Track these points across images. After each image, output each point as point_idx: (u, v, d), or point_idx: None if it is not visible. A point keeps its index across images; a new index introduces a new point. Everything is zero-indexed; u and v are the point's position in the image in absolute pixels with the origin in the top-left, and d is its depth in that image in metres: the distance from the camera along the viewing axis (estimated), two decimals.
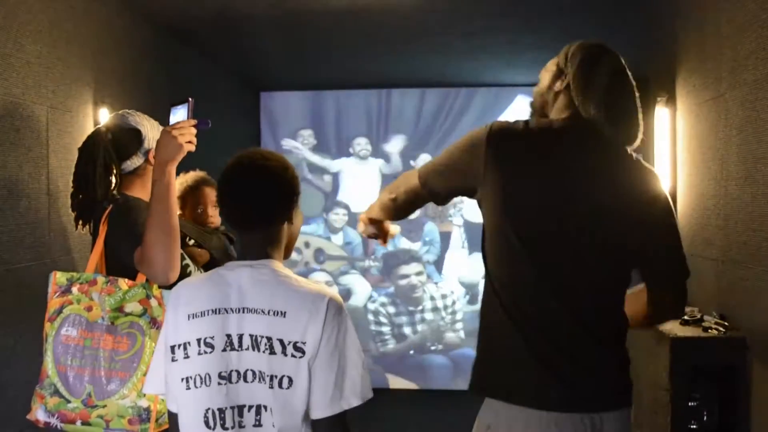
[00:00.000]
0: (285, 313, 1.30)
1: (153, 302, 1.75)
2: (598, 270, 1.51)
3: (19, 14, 2.22)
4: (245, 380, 1.31)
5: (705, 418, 2.22)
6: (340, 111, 5.28)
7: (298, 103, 5.31)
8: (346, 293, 5.21)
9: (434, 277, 5.22)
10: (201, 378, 1.32)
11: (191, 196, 2.50)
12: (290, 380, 1.28)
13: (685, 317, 2.38)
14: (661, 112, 2.95)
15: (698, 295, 2.58)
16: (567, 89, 1.57)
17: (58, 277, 1.78)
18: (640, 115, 1.59)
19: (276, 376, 1.29)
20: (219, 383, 1.32)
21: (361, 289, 5.23)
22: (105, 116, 2.70)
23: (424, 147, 5.20)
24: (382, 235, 1.90)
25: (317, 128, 5.29)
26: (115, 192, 1.88)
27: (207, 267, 2.28)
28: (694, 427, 2.22)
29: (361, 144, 5.23)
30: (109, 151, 1.86)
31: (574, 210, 1.48)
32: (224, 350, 1.32)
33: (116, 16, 2.99)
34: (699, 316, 2.37)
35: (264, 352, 1.29)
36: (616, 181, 1.52)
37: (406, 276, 5.17)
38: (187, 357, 1.34)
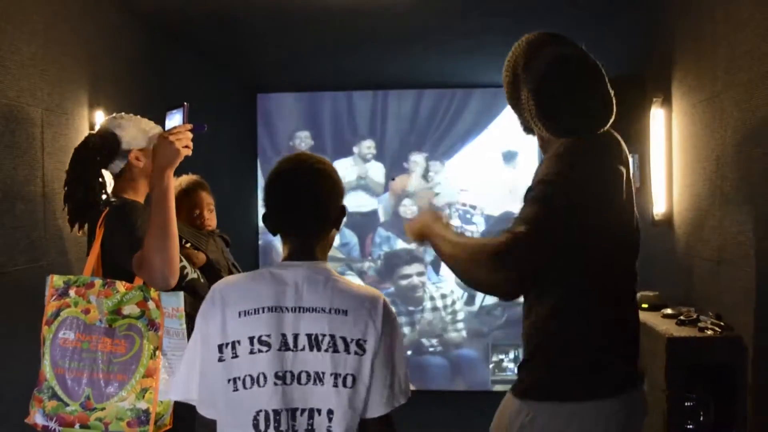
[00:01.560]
0: (346, 311, 1.31)
1: (151, 305, 1.75)
2: (632, 260, 1.64)
3: (14, 16, 2.22)
4: (299, 382, 1.29)
5: (701, 418, 2.23)
6: (337, 112, 5.28)
7: (294, 105, 5.31)
8: None
9: (432, 278, 5.22)
10: (252, 378, 1.29)
11: (186, 200, 2.50)
12: (354, 378, 1.29)
13: (681, 317, 2.38)
14: (656, 113, 2.96)
15: (694, 295, 2.59)
16: (529, 100, 1.58)
17: (55, 280, 1.78)
18: (600, 90, 1.56)
19: (340, 375, 1.28)
20: (275, 383, 1.28)
21: None
22: (100, 118, 2.70)
23: (421, 148, 5.21)
24: None
25: (313, 129, 5.29)
26: (107, 195, 1.90)
27: (203, 269, 2.28)
28: (691, 427, 2.22)
29: (371, 147, 5.24)
30: (92, 156, 1.89)
31: (622, 215, 1.58)
32: (279, 349, 1.30)
33: (111, 17, 2.99)
34: (695, 316, 2.37)
35: (327, 350, 1.29)
36: (623, 172, 1.60)
37: (408, 276, 5.17)
38: (235, 356, 1.30)
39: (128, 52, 3.15)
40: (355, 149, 5.26)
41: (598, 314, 1.53)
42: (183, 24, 3.43)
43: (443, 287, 5.20)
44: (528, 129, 1.68)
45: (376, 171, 5.29)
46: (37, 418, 1.73)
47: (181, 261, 1.96)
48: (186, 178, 2.55)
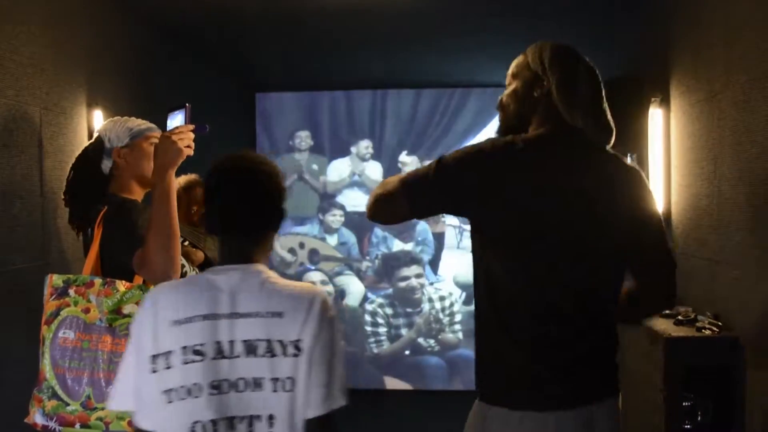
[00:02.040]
0: (282, 313, 1.28)
1: None
2: (592, 271, 1.53)
3: (13, 15, 2.22)
4: (237, 390, 1.27)
5: (699, 417, 2.23)
6: (336, 112, 5.28)
7: (293, 104, 5.31)
8: (341, 294, 5.21)
9: (430, 278, 5.23)
10: (187, 389, 1.26)
11: (184, 198, 2.51)
12: (292, 381, 1.27)
13: (679, 317, 2.38)
14: (655, 113, 2.97)
15: (692, 295, 2.59)
16: (547, 97, 1.57)
17: (54, 280, 1.78)
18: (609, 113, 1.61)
19: (279, 379, 1.27)
20: (211, 393, 1.26)
21: (355, 290, 5.23)
22: (99, 118, 2.70)
23: (419, 148, 5.21)
24: None
25: (312, 129, 5.29)
26: (104, 194, 1.92)
27: (202, 267, 2.28)
28: (688, 426, 2.23)
29: (369, 147, 5.23)
30: (85, 159, 1.97)
31: (569, 218, 1.50)
32: (214, 358, 1.27)
33: (110, 16, 2.99)
34: (693, 316, 2.38)
35: (264, 356, 1.27)
36: (605, 183, 1.54)
37: (407, 278, 5.17)
38: (169, 367, 1.27)
39: (127, 51, 3.15)
40: (353, 149, 5.26)
41: (541, 328, 1.49)
42: (181, 23, 3.42)
43: (442, 289, 5.20)
44: (507, 131, 1.64)
45: (373, 169, 5.28)
46: (37, 417, 1.73)
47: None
48: (184, 177, 2.56)
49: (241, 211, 1.34)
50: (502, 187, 1.48)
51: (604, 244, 1.52)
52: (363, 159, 5.26)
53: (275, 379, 1.26)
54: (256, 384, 1.27)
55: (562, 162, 1.53)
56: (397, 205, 1.55)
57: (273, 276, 1.35)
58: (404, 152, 5.22)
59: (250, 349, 1.27)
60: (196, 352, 1.27)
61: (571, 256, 1.50)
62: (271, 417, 1.26)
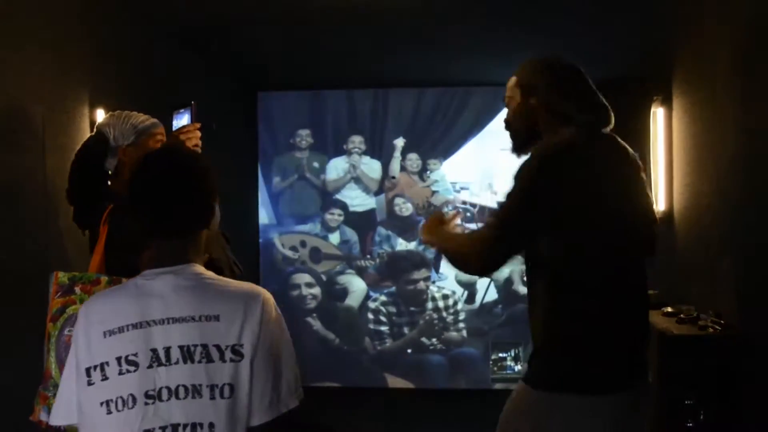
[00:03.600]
0: (218, 316, 1.23)
1: None
2: (636, 256, 1.68)
3: (17, 15, 2.22)
4: (177, 397, 1.22)
5: (701, 416, 2.23)
6: (338, 111, 5.27)
7: (295, 103, 5.30)
8: (343, 293, 5.21)
9: (432, 277, 5.22)
10: (123, 400, 1.22)
11: None
12: (231, 388, 1.22)
13: (681, 316, 2.39)
14: (656, 112, 2.97)
15: (694, 293, 2.59)
16: (544, 102, 1.71)
17: (60, 277, 1.78)
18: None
19: (217, 386, 1.22)
20: (146, 403, 1.21)
21: (357, 289, 5.23)
22: (101, 117, 2.70)
23: (420, 147, 5.20)
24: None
25: (315, 128, 5.29)
26: (108, 192, 1.92)
27: (206, 267, 2.28)
28: (690, 425, 2.23)
29: (355, 142, 5.22)
30: (86, 157, 1.95)
31: (620, 203, 1.65)
32: (150, 366, 1.22)
33: (113, 16, 2.99)
34: (695, 314, 2.38)
35: (200, 362, 1.22)
36: (627, 169, 1.70)
37: (415, 281, 5.15)
38: (105, 378, 1.24)
39: (129, 50, 3.15)
40: (346, 146, 5.24)
41: (588, 311, 1.59)
42: (184, 22, 3.43)
43: (445, 287, 5.20)
44: (521, 147, 1.79)
45: (371, 168, 5.27)
46: (42, 415, 1.73)
47: None
48: None
49: (174, 212, 1.29)
50: (573, 197, 1.59)
51: (638, 221, 1.68)
52: (351, 154, 5.22)
53: (213, 386, 1.22)
54: (196, 391, 1.22)
55: (602, 158, 1.67)
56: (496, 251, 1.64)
57: (208, 275, 1.30)
58: (400, 138, 5.18)
59: (187, 355, 1.22)
60: (130, 362, 1.23)
61: (624, 239, 1.63)
62: (211, 425, 1.22)
